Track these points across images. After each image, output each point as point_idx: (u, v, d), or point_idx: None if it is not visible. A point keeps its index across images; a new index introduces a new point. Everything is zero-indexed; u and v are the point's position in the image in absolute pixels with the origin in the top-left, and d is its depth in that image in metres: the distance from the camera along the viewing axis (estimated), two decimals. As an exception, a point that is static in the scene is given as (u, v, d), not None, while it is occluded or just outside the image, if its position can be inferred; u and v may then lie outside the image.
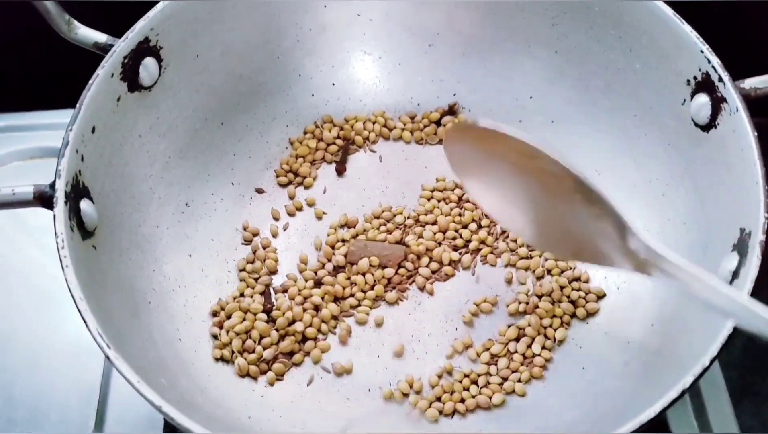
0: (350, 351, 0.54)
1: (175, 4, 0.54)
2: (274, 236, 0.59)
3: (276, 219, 0.59)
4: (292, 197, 0.60)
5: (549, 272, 0.56)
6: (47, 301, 0.59)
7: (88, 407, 0.55)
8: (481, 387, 0.53)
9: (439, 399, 0.52)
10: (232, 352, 0.53)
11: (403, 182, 0.60)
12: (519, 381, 0.53)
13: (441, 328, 0.55)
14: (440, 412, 0.52)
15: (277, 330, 0.54)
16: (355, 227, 0.59)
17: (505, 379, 0.53)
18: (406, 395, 0.52)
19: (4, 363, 0.57)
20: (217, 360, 0.53)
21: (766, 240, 0.44)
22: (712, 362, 0.41)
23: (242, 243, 0.58)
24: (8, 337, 0.58)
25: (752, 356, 0.60)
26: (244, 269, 0.57)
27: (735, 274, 0.45)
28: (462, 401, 0.52)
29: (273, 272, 0.57)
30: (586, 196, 0.44)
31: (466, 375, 0.53)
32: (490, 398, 0.52)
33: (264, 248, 0.58)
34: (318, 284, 0.56)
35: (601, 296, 0.55)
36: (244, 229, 0.58)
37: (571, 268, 0.56)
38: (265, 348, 0.53)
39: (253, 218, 0.59)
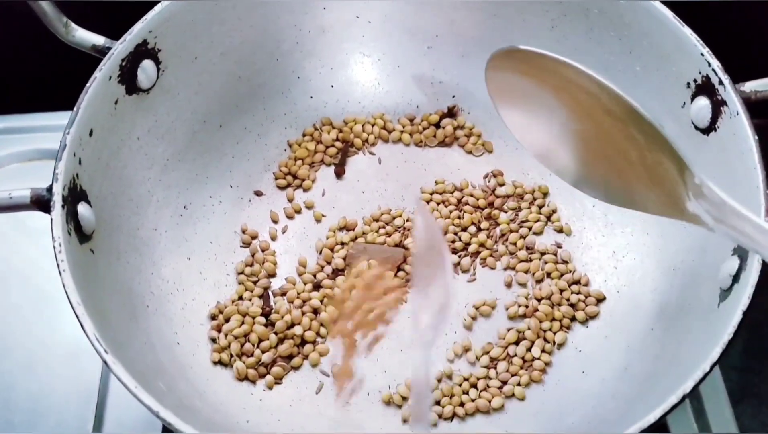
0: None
1: (173, 6, 0.54)
2: (273, 238, 0.58)
3: (275, 222, 0.59)
4: (290, 200, 0.60)
5: (549, 275, 0.56)
6: (46, 303, 0.59)
7: (86, 409, 0.55)
8: (481, 391, 0.52)
9: (438, 403, 0.52)
10: (231, 356, 0.53)
11: (402, 185, 0.60)
12: (518, 384, 0.52)
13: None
14: (440, 416, 0.52)
15: (275, 333, 0.54)
16: (354, 230, 0.58)
17: (504, 383, 0.53)
18: (405, 399, 0.52)
19: (2, 365, 0.57)
20: (215, 363, 0.53)
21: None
22: (713, 367, 0.41)
23: (241, 246, 0.58)
24: (7, 339, 0.58)
25: (751, 358, 0.60)
26: (242, 272, 0.57)
27: (735, 278, 0.45)
28: (461, 405, 0.52)
29: (272, 275, 0.57)
30: (641, 129, 0.41)
31: (466, 379, 0.53)
32: (490, 402, 0.52)
33: (263, 251, 0.58)
34: (317, 287, 0.56)
35: (600, 300, 0.55)
36: (243, 232, 0.58)
37: (571, 271, 0.56)
38: (263, 352, 0.53)
39: (251, 221, 0.59)
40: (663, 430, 0.55)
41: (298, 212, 0.60)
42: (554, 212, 0.59)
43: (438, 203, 0.59)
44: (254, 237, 0.58)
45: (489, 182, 0.60)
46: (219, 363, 0.53)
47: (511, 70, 0.44)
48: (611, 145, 0.43)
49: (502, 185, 0.60)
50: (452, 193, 0.60)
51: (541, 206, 0.59)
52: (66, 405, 0.56)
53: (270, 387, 0.52)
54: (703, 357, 0.41)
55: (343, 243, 0.58)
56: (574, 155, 0.46)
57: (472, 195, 0.59)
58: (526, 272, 0.57)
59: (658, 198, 0.43)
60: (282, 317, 0.54)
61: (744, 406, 0.57)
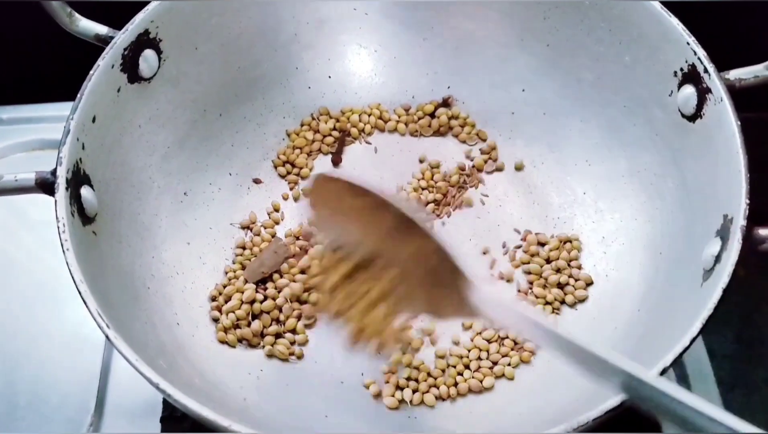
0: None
1: (175, -5, 0.55)
2: (275, 224, 0.60)
3: (276, 210, 0.60)
4: (291, 188, 0.61)
5: (548, 261, 0.57)
6: (47, 293, 0.60)
7: (88, 393, 0.56)
8: (474, 371, 0.53)
9: (435, 385, 0.53)
10: (235, 326, 0.54)
11: (398, 173, 0.61)
12: (509, 365, 0.53)
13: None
14: (437, 397, 0.53)
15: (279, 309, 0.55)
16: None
17: (495, 363, 0.54)
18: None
19: (6, 350, 0.58)
20: (221, 343, 0.54)
21: (747, 225, 0.45)
22: (692, 342, 0.42)
23: (239, 228, 0.59)
24: (10, 327, 0.59)
25: (742, 346, 0.61)
26: (242, 252, 0.58)
27: (717, 258, 0.46)
28: (455, 385, 0.53)
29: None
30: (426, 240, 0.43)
31: (460, 358, 0.54)
32: (481, 381, 0.53)
33: (258, 235, 0.59)
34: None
35: (589, 284, 0.56)
36: (241, 226, 0.59)
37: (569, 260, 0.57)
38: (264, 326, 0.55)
39: (249, 208, 0.60)
40: (654, 419, 0.55)
41: (296, 199, 0.61)
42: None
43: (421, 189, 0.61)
44: (253, 222, 0.59)
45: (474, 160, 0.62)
46: (225, 343, 0.54)
47: (327, 191, 0.47)
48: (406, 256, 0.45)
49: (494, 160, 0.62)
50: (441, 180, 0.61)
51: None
52: (68, 389, 0.57)
53: (270, 355, 0.54)
54: (683, 334, 0.42)
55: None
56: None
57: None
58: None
59: (454, 306, 0.44)
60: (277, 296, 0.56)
61: (734, 394, 0.58)
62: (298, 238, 0.59)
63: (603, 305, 0.55)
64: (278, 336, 0.55)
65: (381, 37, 0.63)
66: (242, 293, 0.55)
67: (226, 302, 0.55)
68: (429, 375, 0.53)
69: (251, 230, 0.59)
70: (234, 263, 0.57)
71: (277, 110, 0.63)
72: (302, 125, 0.63)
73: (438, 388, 0.53)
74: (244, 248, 0.58)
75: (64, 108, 0.65)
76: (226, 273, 0.57)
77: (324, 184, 0.47)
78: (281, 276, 0.57)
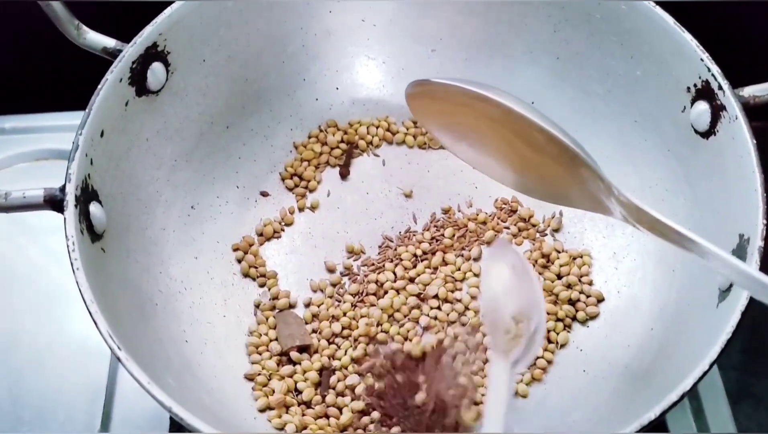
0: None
1: (183, 9, 0.54)
2: (277, 235, 0.59)
3: (281, 222, 0.60)
4: (298, 201, 0.61)
5: (559, 277, 0.57)
6: (53, 302, 0.60)
7: (94, 406, 0.56)
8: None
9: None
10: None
11: (406, 186, 0.61)
12: (521, 382, 0.53)
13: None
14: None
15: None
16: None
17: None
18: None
19: (11, 364, 0.58)
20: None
21: (764, 246, 0.45)
22: (711, 366, 0.42)
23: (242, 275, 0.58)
24: (15, 338, 0.59)
25: (750, 358, 0.61)
26: (258, 306, 0.57)
27: (734, 280, 0.45)
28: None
29: (285, 296, 0.57)
30: (560, 150, 0.44)
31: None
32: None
33: (264, 275, 0.58)
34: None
35: (600, 300, 0.56)
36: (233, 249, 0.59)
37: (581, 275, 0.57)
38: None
39: (257, 221, 0.59)
40: (662, 430, 0.55)
41: (303, 211, 0.60)
42: (561, 214, 0.59)
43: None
44: (250, 244, 0.59)
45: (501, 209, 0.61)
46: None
47: (430, 98, 0.47)
48: (531, 159, 0.47)
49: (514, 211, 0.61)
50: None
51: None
52: (74, 403, 0.56)
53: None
54: (701, 356, 0.42)
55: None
56: (505, 166, 0.49)
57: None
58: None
59: (585, 197, 0.47)
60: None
61: (742, 406, 0.58)
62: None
63: (615, 322, 0.55)
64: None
65: (389, 48, 0.63)
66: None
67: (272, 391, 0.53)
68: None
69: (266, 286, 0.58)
70: (251, 334, 0.56)
71: (285, 122, 0.62)
72: (310, 137, 0.63)
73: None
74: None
75: (68, 117, 0.66)
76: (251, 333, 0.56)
77: (422, 93, 0.48)
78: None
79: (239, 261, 0.58)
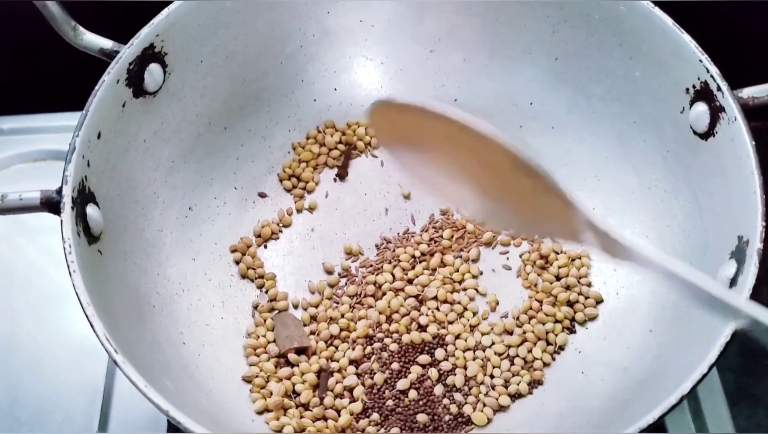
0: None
1: (180, 10, 0.54)
2: (275, 237, 0.59)
3: (279, 223, 0.60)
4: (296, 202, 0.61)
5: (557, 278, 0.57)
6: (51, 303, 0.60)
7: (91, 407, 0.56)
8: (488, 390, 0.53)
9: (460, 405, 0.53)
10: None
11: (404, 187, 0.61)
12: (519, 382, 0.53)
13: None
14: (461, 415, 0.52)
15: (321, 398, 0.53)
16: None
17: (507, 382, 0.53)
18: None
19: (9, 365, 0.58)
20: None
21: (763, 248, 0.44)
22: (710, 368, 0.42)
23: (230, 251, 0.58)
24: (13, 339, 0.59)
25: (748, 359, 0.61)
26: (256, 308, 0.57)
27: (733, 281, 0.45)
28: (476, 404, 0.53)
29: (283, 297, 0.57)
30: (527, 173, 0.40)
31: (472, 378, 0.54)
32: (497, 400, 0.52)
33: (262, 276, 0.58)
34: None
35: (599, 301, 0.56)
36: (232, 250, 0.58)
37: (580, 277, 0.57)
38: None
39: (255, 222, 0.59)
40: (661, 430, 0.55)
41: (301, 212, 0.60)
42: None
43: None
44: (248, 245, 0.58)
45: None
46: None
47: (394, 120, 0.43)
48: (504, 188, 0.42)
49: None
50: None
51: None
52: (72, 404, 0.56)
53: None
54: (700, 359, 0.42)
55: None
56: (474, 197, 0.44)
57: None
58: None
59: (559, 230, 0.41)
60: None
61: (740, 407, 0.58)
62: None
63: (614, 323, 0.54)
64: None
65: (387, 49, 0.63)
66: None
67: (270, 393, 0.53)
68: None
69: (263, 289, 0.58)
70: (249, 336, 0.55)
71: (283, 123, 0.62)
72: (308, 138, 0.63)
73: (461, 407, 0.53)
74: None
75: (66, 118, 0.66)
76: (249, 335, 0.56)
77: (385, 113, 0.44)
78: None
79: (237, 263, 0.58)
